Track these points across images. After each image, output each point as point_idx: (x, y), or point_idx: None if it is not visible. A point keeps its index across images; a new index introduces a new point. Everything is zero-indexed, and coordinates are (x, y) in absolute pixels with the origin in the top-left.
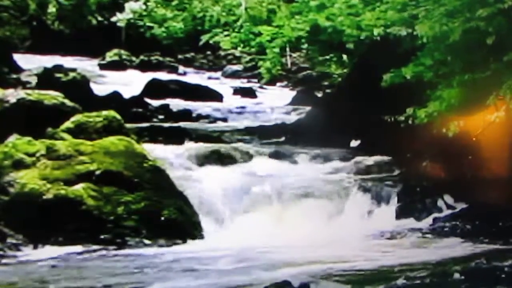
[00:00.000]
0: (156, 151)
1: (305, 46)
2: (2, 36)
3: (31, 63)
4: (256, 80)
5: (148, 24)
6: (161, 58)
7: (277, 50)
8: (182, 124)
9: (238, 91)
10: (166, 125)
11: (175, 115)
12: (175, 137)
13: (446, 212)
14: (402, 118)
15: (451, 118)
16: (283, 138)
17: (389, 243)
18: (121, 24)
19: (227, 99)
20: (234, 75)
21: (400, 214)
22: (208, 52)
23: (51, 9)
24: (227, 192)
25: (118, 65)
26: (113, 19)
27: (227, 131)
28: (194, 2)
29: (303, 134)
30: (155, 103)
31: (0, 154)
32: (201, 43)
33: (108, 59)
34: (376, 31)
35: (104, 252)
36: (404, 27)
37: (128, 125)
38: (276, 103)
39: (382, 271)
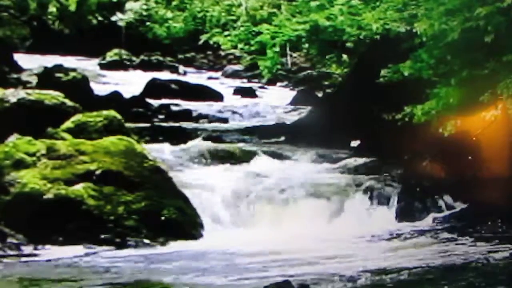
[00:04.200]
0: (156, 151)
1: (305, 46)
2: (2, 36)
3: (31, 63)
4: (256, 80)
5: (150, 25)
6: (161, 58)
7: (277, 49)
8: (182, 124)
9: (238, 91)
10: (166, 125)
11: (175, 115)
12: (175, 137)
13: (446, 212)
14: (399, 116)
15: (450, 117)
16: (283, 138)
17: (389, 244)
18: (121, 24)
19: (227, 99)
20: (234, 75)
21: (400, 214)
22: (209, 52)
23: (51, 9)
24: (227, 191)
25: (118, 65)
26: (114, 18)
27: (227, 131)
28: (194, 2)
29: (303, 134)
30: (156, 103)
31: (0, 154)
32: (200, 42)
33: (108, 59)
34: (374, 26)
35: (104, 252)
36: (404, 24)
37: (128, 125)
38: (276, 103)
39: (382, 272)
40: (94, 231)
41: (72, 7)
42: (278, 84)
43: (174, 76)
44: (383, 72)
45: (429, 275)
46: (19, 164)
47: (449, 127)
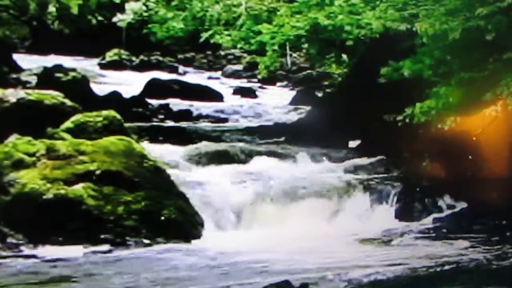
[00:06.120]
0: (156, 151)
1: (305, 45)
2: (2, 36)
3: (31, 63)
4: (256, 80)
5: (151, 28)
6: (161, 58)
7: (275, 47)
8: (182, 124)
9: (238, 91)
10: (166, 125)
11: (175, 115)
12: (175, 137)
13: (446, 212)
14: (400, 117)
15: (449, 117)
16: (283, 138)
17: (388, 243)
18: (121, 24)
19: (227, 99)
20: (234, 75)
21: (400, 213)
22: (208, 52)
23: (51, 9)
24: (227, 191)
25: (118, 65)
26: (114, 19)
27: (227, 131)
28: (194, 2)
29: (303, 134)
30: (155, 103)
31: (0, 154)
32: (200, 40)
33: (108, 59)
34: (374, 25)
35: (104, 252)
36: (404, 23)
37: (128, 125)
38: (276, 103)
39: (382, 272)
40: (94, 231)
41: (74, 10)
42: (278, 84)
43: (173, 76)
44: (382, 70)
45: (429, 275)
46: (19, 164)
47: (449, 122)
